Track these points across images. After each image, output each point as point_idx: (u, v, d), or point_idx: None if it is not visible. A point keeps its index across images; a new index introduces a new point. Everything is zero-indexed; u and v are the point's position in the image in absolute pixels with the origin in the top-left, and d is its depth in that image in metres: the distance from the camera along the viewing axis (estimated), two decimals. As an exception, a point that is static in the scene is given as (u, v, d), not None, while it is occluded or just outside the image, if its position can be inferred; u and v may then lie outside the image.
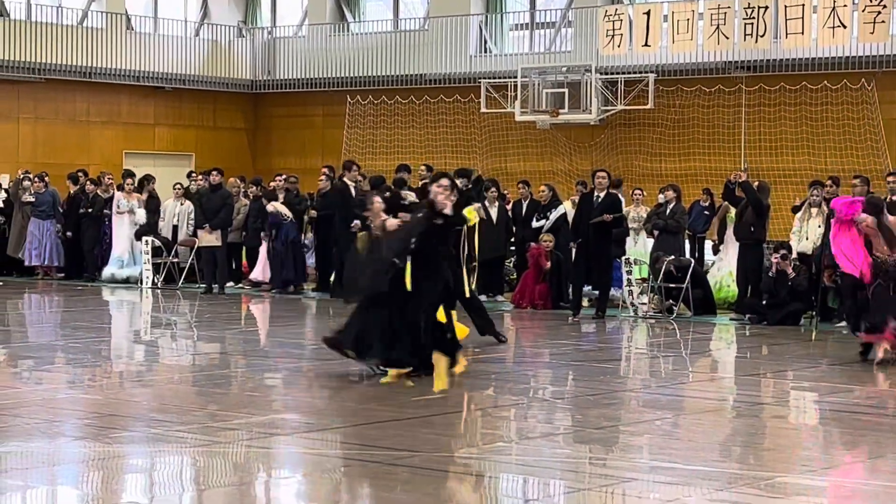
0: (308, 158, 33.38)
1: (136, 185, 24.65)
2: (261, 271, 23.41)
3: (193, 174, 26.07)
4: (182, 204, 24.48)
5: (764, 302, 18.57)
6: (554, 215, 21.21)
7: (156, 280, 23.75)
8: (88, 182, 25.61)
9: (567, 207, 21.17)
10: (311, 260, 24.33)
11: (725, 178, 20.36)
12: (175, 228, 24.48)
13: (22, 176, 25.91)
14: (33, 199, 25.29)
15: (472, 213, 14.33)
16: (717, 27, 27.78)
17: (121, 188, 24.72)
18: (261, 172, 29.92)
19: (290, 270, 23.02)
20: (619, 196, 20.20)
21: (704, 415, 11.59)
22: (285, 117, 34.99)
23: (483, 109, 30.64)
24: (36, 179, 25.64)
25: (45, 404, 11.32)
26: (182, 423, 10.43)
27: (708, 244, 23.23)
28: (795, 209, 20.30)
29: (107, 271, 24.51)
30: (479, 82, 30.60)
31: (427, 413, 11.25)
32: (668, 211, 21.31)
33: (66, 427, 10.35)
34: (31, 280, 25.12)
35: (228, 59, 34.98)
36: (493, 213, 21.76)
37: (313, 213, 23.25)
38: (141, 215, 24.19)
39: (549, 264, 20.40)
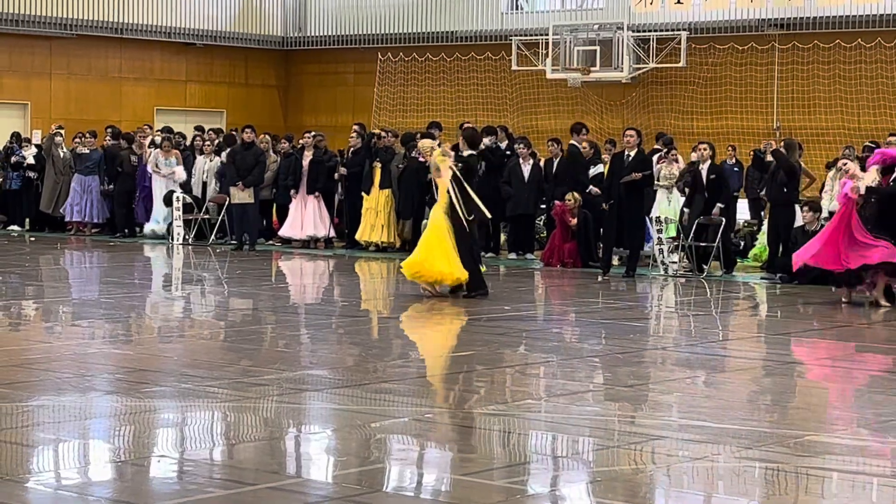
0: (339, 116, 33.37)
1: (170, 141, 24.71)
2: (290, 227, 23.46)
3: (198, 135, 26.10)
4: (212, 160, 24.53)
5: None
6: (592, 172, 21.13)
7: (187, 236, 23.83)
8: (122, 140, 25.73)
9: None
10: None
11: (754, 148, 20.33)
12: (205, 185, 24.55)
13: (54, 132, 26.01)
14: (87, 152, 25.41)
15: (439, 159, 16.21)
16: (751, -16, 27.59)
17: (156, 145, 24.76)
18: (292, 129, 29.91)
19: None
20: (673, 156, 20.17)
21: (734, 373, 11.58)
22: (316, 74, 34.96)
23: (514, 67, 30.55)
24: (87, 136, 25.78)
25: (76, 359, 11.39)
26: (213, 378, 10.48)
27: (742, 204, 23.18)
28: (830, 165, 20.22)
29: (148, 227, 24.66)
30: (511, 40, 30.50)
31: (456, 370, 11.28)
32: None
33: (97, 381, 10.42)
34: (63, 236, 25.25)
35: (260, 16, 34.94)
36: (526, 170, 21.72)
37: (343, 170, 23.25)
38: (180, 173, 24.25)
39: (574, 221, 20.36)
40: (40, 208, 25.96)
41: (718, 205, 19.53)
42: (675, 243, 19.71)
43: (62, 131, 26.06)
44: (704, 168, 19.73)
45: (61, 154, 25.74)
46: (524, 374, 11.29)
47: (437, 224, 16.05)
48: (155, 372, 10.92)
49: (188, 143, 26.08)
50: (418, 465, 8.04)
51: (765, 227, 20.44)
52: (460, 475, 7.61)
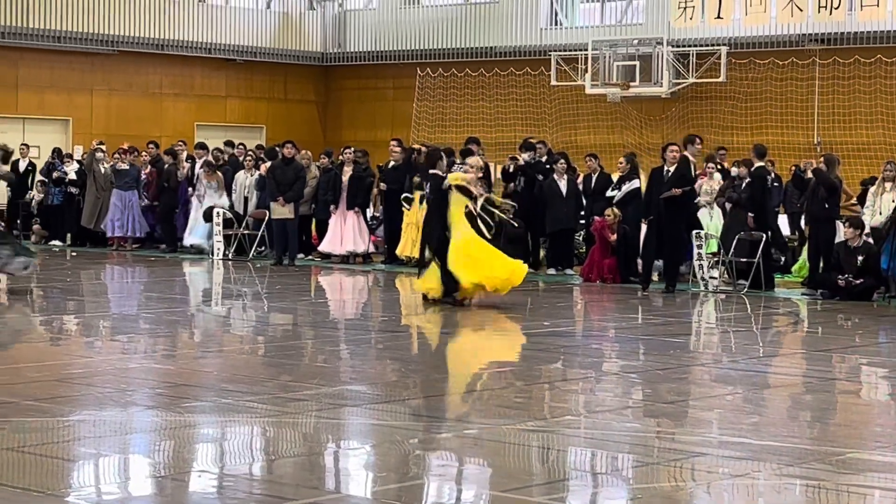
0: (378, 131, 33.43)
1: (211, 166, 24.73)
2: (329, 243, 23.51)
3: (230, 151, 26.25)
4: (252, 175, 24.61)
5: (838, 279, 18.35)
6: (626, 188, 21.08)
7: (227, 252, 23.91)
8: (164, 154, 25.88)
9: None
10: (379, 232, 24.48)
11: (794, 164, 20.25)
12: (246, 200, 24.64)
13: (95, 147, 26.17)
14: (126, 167, 25.57)
15: (453, 176, 16.99)
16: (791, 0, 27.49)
17: (201, 166, 24.87)
18: (330, 145, 29.99)
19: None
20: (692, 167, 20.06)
21: (775, 390, 11.52)
22: (355, 90, 35.05)
23: (553, 82, 30.54)
24: (129, 151, 25.95)
25: (117, 374, 11.44)
26: (252, 393, 10.50)
27: (783, 219, 23.07)
28: (865, 183, 20.12)
29: (188, 240, 24.75)
30: (550, 55, 30.49)
31: (495, 385, 11.26)
32: (742, 185, 21.11)
33: (137, 396, 10.46)
34: (104, 251, 25.39)
35: (299, 32, 35.08)
36: (563, 186, 21.69)
37: (382, 186, 23.29)
38: (223, 202, 24.32)
39: (614, 237, 20.31)
40: (81, 223, 26.11)
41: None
42: (716, 259, 19.62)
43: (103, 147, 26.22)
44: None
45: (102, 170, 25.89)
46: (563, 390, 11.26)
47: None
48: (195, 387, 10.95)
49: (226, 157, 26.15)
50: (457, 482, 8.03)
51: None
52: (499, 491, 7.60)
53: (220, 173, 24.73)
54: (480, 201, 16.88)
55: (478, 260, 16.49)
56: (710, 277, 19.48)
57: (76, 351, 13.07)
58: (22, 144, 27.93)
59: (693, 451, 8.66)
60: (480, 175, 17.57)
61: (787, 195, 23.66)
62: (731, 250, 19.41)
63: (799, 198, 22.01)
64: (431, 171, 17.50)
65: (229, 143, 26.66)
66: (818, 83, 28.30)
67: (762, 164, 20.10)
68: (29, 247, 17.15)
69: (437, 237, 16.85)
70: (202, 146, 26.23)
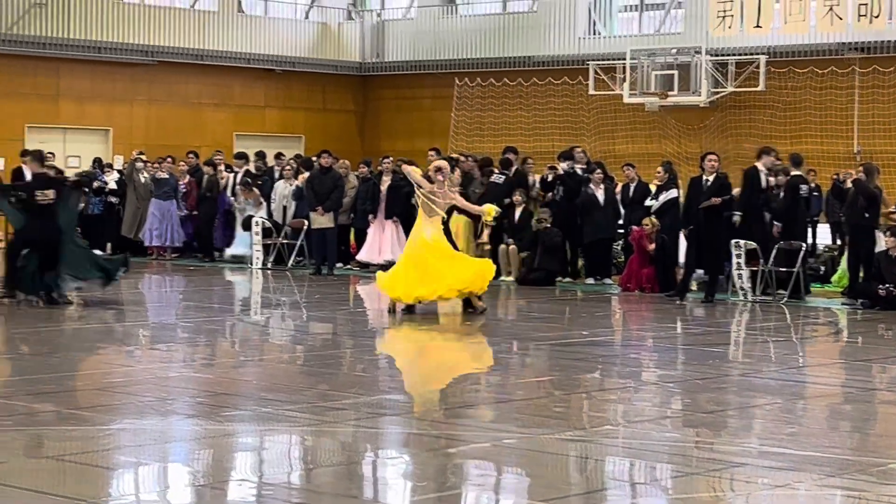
0: (415, 140, 33.46)
1: (246, 185, 24.78)
2: (368, 252, 23.55)
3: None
4: (291, 185, 24.68)
5: (879, 289, 18.24)
6: (664, 197, 21.03)
7: (266, 261, 23.99)
8: (204, 164, 25.99)
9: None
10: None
11: (834, 175, 20.18)
12: (284, 210, 24.71)
13: (135, 157, 26.31)
14: (167, 176, 25.70)
15: (490, 211, 17.36)
16: (831, 8, 27.37)
17: (242, 183, 24.97)
18: (369, 154, 30.06)
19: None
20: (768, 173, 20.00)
21: (815, 400, 11.46)
22: (393, 99, 35.12)
23: (591, 91, 30.51)
24: (168, 160, 26.09)
25: (157, 382, 11.49)
26: (291, 402, 10.53)
27: (824, 229, 22.98)
28: None
29: (230, 251, 24.85)
30: (588, 64, 30.47)
31: (534, 395, 11.25)
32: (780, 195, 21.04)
33: (177, 405, 10.50)
34: (143, 260, 25.50)
35: (338, 42, 35.20)
36: (600, 195, 21.67)
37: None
38: (261, 214, 24.39)
39: (652, 246, 20.27)
40: (121, 233, 26.23)
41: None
42: (755, 268, 19.54)
43: (143, 157, 26.36)
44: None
45: (142, 179, 26.02)
46: (602, 400, 11.24)
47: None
48: (234, 396, 10.98)
49: (265, 168, 26.23)
50: (495, 491, 8.03)
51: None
52: (538, 501, 7.59)
53: (256, 190, 24.77)
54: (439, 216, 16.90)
55: (427, 271, 16.51)
56: (749, 287, 19.39)
57: (116, 360, 13.13)
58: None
59: (732, 462, 8.62)
60: (441, 178, 17.30)
61: (829, 205, 23.57)
62: (771, 260, 19.33)
63: (840, 208, 21.92)
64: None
65: (260, 154, 26.69)
66: (858, 92, 28.17)
67: (799, 172, 20.03)
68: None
69: None
70: (242, 156, 26.33)
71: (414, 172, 17.43)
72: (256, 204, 24.57)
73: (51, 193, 16.92)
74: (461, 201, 17.76)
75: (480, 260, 17.54)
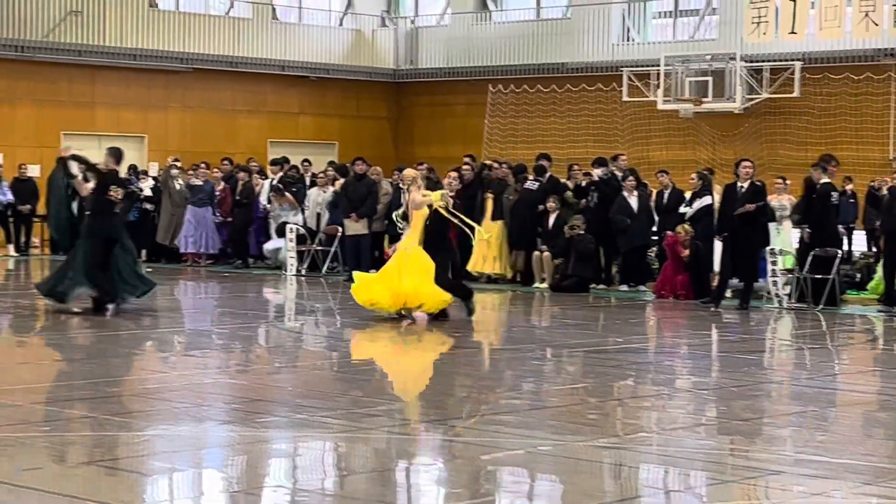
0: (449, 147, 33.50)
1: (279, 191, 24.86)
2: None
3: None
4: (325, 192, 24.73)
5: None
6: (698, 204, 21.00)
7: (300, 267, 24.04)
8: (238, 170, 26.08)
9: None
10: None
11: (870, 182, 20.08)
12: (318, 216, 24.77)
13: (170, 164, 26.41)
14: (202, 183, 25.81)
15: (436, 196, 16.84)
16: (867, 14, 27.25)
17: (275, 189, 25.05)
18: (402, 161, 30.11)
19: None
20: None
21: (851, 407, 11.40)
22: (427, 106, 35.16)
23: (625, 98, 30.47)
24: (203, 167, 26.19)
25: (192, 389, 11.53)
26: (325, 408, 10.54)
27: (859, 236, 22.85)
28: None
29: (267, 246, 24.93)
30: (622, 71, 30.44)
31: (568, 402, 11.24)
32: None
33: (212, 411, 10.53)
34: (178, 267, 25.59)
35: (372, 49, 35.26)
36: (633, 203, 21.62)
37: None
38: (297, 220, 24.46)
39: (686, 252, 20.22)
40: (156, 240, 26.34)
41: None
42: (789, 276, 19.47)
43: (178, 164, 26.46)
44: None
45: (177, 186, 26.12)
46: (636, 407, 11.21)
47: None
48: (269, 402, 11.01)
49: (298, 175, 26.30)
50: (529, 498, 8.02)
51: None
52: (572, 508, 7.58)
53: (289, 195, 24.84)
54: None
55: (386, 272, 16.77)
56: (785, 294, 19.32)
57: (152, 366, 13.18)
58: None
59: (768, 469, 8.59)
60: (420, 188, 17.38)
61: (865, 212, 23.46)
62: (806, 267, 19.25)
63: (876, 215, 21.82)
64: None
65: (284, 161, 26.76)
66: (893, 98, 28.04)
67: (827, 180, 19.95)
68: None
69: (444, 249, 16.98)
70: (277, 162, 26.42)
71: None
72: (292, 209, 24.63)
73: (120, 193, 16.95)
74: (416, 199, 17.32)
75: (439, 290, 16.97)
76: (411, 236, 16.86)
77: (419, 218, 16.78)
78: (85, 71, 31.02)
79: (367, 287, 16.84)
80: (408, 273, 16.51)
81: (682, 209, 21.20)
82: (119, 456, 8.67)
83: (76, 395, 11.06)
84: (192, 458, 8.97)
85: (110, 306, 16.61)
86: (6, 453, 8.54)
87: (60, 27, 30.24)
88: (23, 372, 12.65)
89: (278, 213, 24.74)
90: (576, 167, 23.22)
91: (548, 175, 22.88)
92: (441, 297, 16.57)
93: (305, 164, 26.89)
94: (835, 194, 19.98)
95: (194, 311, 19.39)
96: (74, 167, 17.16)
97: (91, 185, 16.89)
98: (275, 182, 25.18)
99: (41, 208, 28.13)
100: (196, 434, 9.60)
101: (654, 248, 22.38)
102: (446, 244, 17.14)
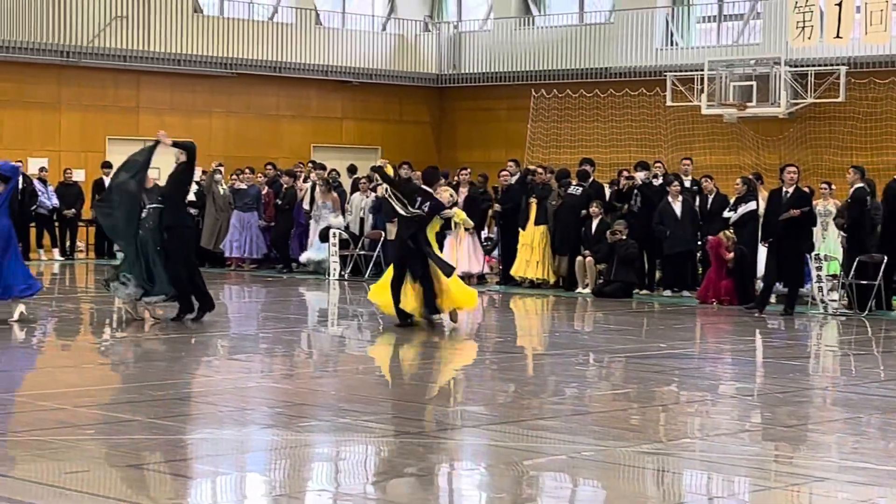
0: (491, 152, 33.50)
1: (327, 184, 24.97)
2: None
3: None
4: (368, 197, 24.78)
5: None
6: (742, 209, 20.92)
7: (342, 272, 24.09)
8: (284, 174, 26.17)
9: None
10: (495, 253, 24.55)
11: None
12: (361, 221, 24.83)
13: (214, 168, 26.52)
14: (245, 188, 25.93)
15: (461, 216, 17.32)
16: (913, 18, 27.09)
17: (323, 182, 25.15)
18: (445, 165, 30.11)
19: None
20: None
21: (896, 415, 11.32)
22: (470, 111, 35.16)
23: (669, 103, 30.38)
24: (247, 171, 26.31)
25: (236, 393, 11.58)
26: (368, 412, 10.56)
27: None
28: None
29: (305, 256, 25.01)
30: (665, 75, 30.35)
31: (611, 407, 11.21)
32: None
33: (256, 415, 10.57)
34: (222, 271, 25.69)
35: (414, 54, 35.30)
36: (677, 208, 21.55)
37: (497, 207, 23.32)
38: (338, 222, 24.54)
39: (730, 255, 20.14)
40: (201, 244, 26.41)
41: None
42: (835, 281, 19.35)
43: (222, 169, 26.57)
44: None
45: (221, 191, 26.23)
46: (679, 412, 11.17)
47: None
48: (312, 406, 11.04)
49: (340, 179, 26.37)
50: (571, 503, 8.00)
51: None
52: (616, 514, 7.56)
53: (335, 193, 24.95)
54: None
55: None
56: (830, 300, 19.21)
57: (196, 370, 13.24)
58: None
59: (812, 476, 8.54)
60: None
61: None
62: (852, 272, 19.13)
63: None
64: (426, 189, 16.92)
65: (321, 165, 26.87)
66: (940, 102, 27.84)
67: (861, 185, 19.84)
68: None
69: (421, 255, 16.61)
70: (320, 166, 26.51)
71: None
72: (335, 207, 24.68)
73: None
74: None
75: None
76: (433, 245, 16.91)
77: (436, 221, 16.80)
78: (130, 76, 31.20)
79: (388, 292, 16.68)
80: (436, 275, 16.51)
81: (726, 213, 21.13)
82: (163, 459, 8.71)
83: (121, 399, 11.13)
84: (235, 461, 9.00)
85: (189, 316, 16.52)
86: (52, 456, 8.60)
87: (105, 32, 30.42)
88: (67, 375, 12.74)
89: (320, 212, 24.76)
90: (625, 172, 23.16)
91: (591, 180, 22.85)
92: (469, 292, 16.89)
93: (352, 170, 26.87)
94: (871, 199, 19.87)
95: (238, 315, 19.46)
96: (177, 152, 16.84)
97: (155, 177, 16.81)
98: (319, 183, 25.23)
99: (86, 212, 28.40)
100: (240, 438, 9.63)
101: (699, 254, 22.26)
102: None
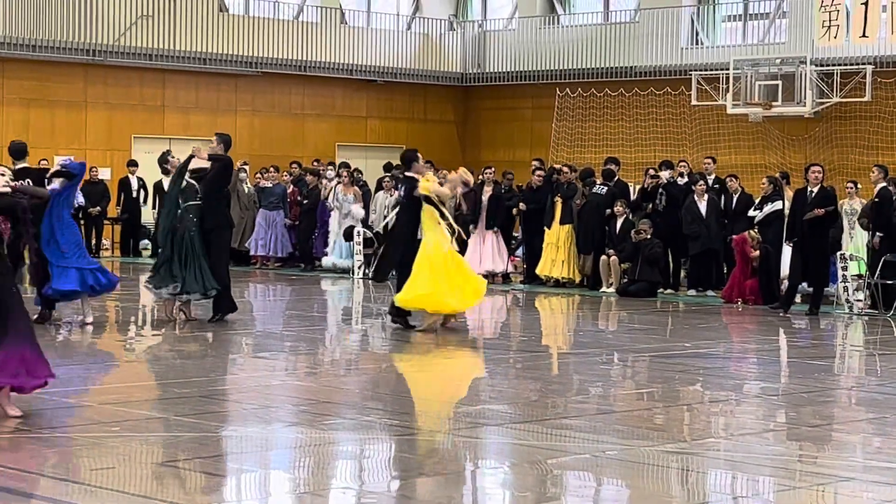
0: (516, 151, 33.49)
1: (351, 178, 25.13)
2: (469, 262, 23.54)
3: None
4: (392, 195, 24.80)
5: None
6: (768, 209, 20.88)
7: (367, 271, 24.12)
8: (308, 173, 26.22)
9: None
10: (518, 252, 24.55)
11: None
12: (385, 220, 24.86)
13: (239, 167, 26.57)
14: (271, 185, 26.00)
15: (423, 185, 16.11)
16: (939, 17, 26.96)
17: (349, 174, 25.25)
18: (469, 164, 30.05)
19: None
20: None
21: (922, 415, 11.28)
22: (494, 110, 35.15)
23: (694, 102, 30.31)
24: (272, 170, 26.37)
25: (261, 391, 11.61)
26: (392, 410, 10.58)
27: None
28: None
29: (327, 261, 25.07)
30: (691, 74, 30.28)
31: (635, 407, 11.21)
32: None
33: (280, 413, 10.60)
34: (247, 269, 25.75)
35: (439, 53, 35.30)
36: (702, 207, 21.52)
37: (522, 206, 23.31)
38: (358, 212, 24.61)
39: (756, 253, 20.10)
40: (226, 243, 26.48)
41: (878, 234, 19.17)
42: (860, 281, 19.29)
43: (247, 167, 26.62)
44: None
45: (246, 189, 26.29)
46: (703, 412, 11.16)
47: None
48: (336, 404, 11.06)
49: (364, 178, 26.43)
50: (595, 502, 8.01)
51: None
52: (640, 513, 7.56)
53: (356, 187, 25.02)
54: (445, 222, 16.31)
55: (439, 274, 15.94)
56: (856, 300, 19.16)
57: (221, 368, 13.28)
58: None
59: (838, 476, 8.52)
60: (458, 191, 17.13)
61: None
62: (878, 272, 19.07)
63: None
64: (407, 174, 16.79)
65: (342, 166, 26.91)
66: (966, 102, 27.72)
67: (884, 184, 19.78)
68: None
69: (405, 242, 16.42)
70: (345, 164, 26.56)
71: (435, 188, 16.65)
72: (357, 199, 24.74)
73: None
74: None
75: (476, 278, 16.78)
76: (433, 231, 16.22)
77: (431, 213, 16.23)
78: (155, 75, 31.29)
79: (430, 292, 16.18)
80: (449, 264, 16.13)
81: (751, 213, 21.09)
82: (189, 456, 8.74)
83: (146, 396, 11.17)
84: (260, 459, 9.03)
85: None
86: (78, 453, 8.64)
87: (131, 31, 30.51)
88: (93, 372, 12.79)
89: (341, 204, 24.80)
90: (651, 171, 23.12)
91: (616, 179, 22.83)
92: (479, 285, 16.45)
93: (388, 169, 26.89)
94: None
95: (263, 313, 19.50)
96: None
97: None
98: (343, 180, 25.30)
99: (112, 211, 28.50)
100: (264, 435, 9.66)
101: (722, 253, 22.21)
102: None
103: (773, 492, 8.31)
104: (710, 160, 23.93)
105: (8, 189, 10.23)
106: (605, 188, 22.43)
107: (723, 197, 22.18)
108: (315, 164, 27.65)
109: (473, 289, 16.32)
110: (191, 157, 16.35)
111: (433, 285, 15.91)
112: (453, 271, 16.15)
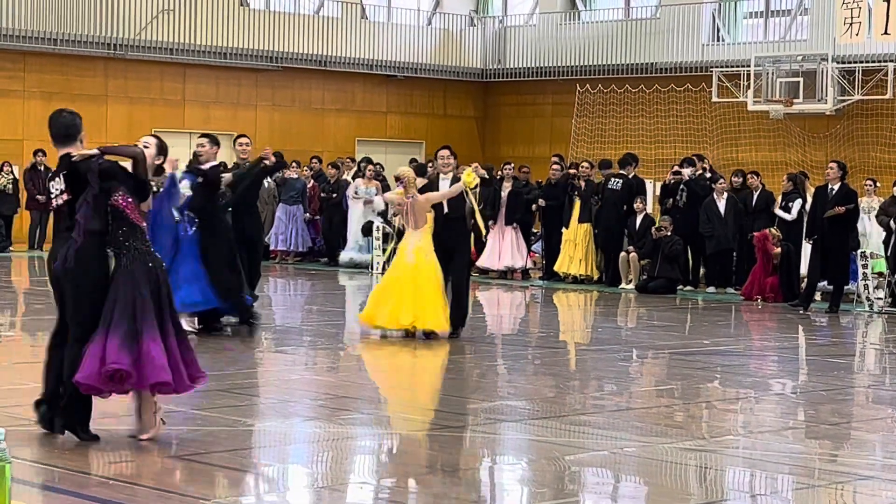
0: (536, 147, 33.45)
1: (375, 173, 25.17)
2: (488, 258, 23.57)
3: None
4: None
5: None
6: (796, 208, 20.84)
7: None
8: (329, 167, 26.27)
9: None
10: (537, 247, 24.53)
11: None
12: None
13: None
14: (295, 177, 26.04)
15: (469, 176, 15.02)
16: (961, 14, 26.84)
17: (360, 175, 25.26)
18: (489, 160, 30.09)
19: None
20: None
21: (942, 414, 11.24)
22: (514, 105, 35.12)
23: (714, 98, 30.23)
24: (294, 165, 26.41)
25: (279, 385, 11.62)
26: (411, 406, 10.58)
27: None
28: None
29: (345, 255, 25.09)
30: (711, 71, 30.21)
31: (653, 403, 11.19)
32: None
33: (299, 407, 10.61)
34: (266, 263, 25.76)
35: (460, 48, 35.28)
36: (721, 205, 21.47)
37: (541, 202, 23.29)
38: (378, 203, 24.64)
39: (777, 250, 20.05)
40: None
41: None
42: (881, 279, 19.23)
43: (267, 162, 26.59)
44: None
45: (266, 184, 26.28)
46: (722, 410, 11.14)
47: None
48: (354, 399, 11.07)
49: (384, 173, 26.47)
50: (613, 499, 8.00)
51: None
52: (657, 510, 7.54)
53: (377, 181, 25.08)
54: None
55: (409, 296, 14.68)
56: (876, 298, 19.10)
57: (240, 362, 13.29)
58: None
59: (857, 474, 8.50)
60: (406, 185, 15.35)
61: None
62: (897, 270, 19.02)
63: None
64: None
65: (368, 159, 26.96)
66: None
67: None
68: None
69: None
70: (368, 160, 26.60)
71: (391, 196, 15.94)
72: (378, 192, 24.78)
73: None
74: (434, 196, 15.42)
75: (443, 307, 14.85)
76: (418, 239, 15.12)
77: (422, 218, 15.22)
78: (176, 69, 31.34)
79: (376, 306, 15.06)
80: (423, 288, 14.73)
81: (780, 213, 21.02)
82: (206, 450, 8.75)
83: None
84: (278, 453, 9.04)
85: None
86: (95, 446, 8.65)
87: (152, 26, 30.57)
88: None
89: (361, 196, 24.83)
90: (675, 167, 23.07)
91: (632, 173, 22.74)
92: (445, 319, 14.74)
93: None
94: None
95: (282, 307, 19.53)
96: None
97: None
98: (363, 176, 25.35)
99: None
100: (282, 430, 9.67)
101: (735, 252, 22.06)
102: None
103: (791, 490, 8.29)
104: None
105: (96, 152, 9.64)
106: (620, 183, 22.28)
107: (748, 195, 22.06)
108: (340, 160, 27.68)
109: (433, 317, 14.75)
110: (261, 159, 16.19)
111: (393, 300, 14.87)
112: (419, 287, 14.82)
